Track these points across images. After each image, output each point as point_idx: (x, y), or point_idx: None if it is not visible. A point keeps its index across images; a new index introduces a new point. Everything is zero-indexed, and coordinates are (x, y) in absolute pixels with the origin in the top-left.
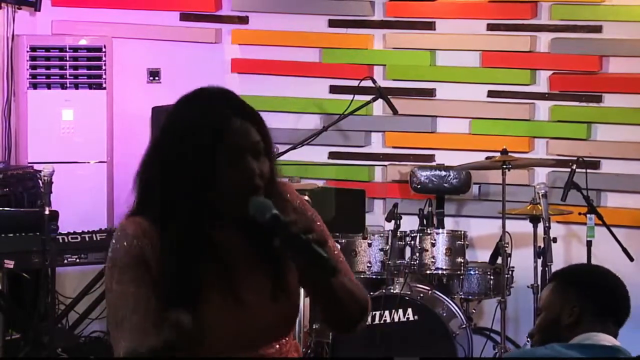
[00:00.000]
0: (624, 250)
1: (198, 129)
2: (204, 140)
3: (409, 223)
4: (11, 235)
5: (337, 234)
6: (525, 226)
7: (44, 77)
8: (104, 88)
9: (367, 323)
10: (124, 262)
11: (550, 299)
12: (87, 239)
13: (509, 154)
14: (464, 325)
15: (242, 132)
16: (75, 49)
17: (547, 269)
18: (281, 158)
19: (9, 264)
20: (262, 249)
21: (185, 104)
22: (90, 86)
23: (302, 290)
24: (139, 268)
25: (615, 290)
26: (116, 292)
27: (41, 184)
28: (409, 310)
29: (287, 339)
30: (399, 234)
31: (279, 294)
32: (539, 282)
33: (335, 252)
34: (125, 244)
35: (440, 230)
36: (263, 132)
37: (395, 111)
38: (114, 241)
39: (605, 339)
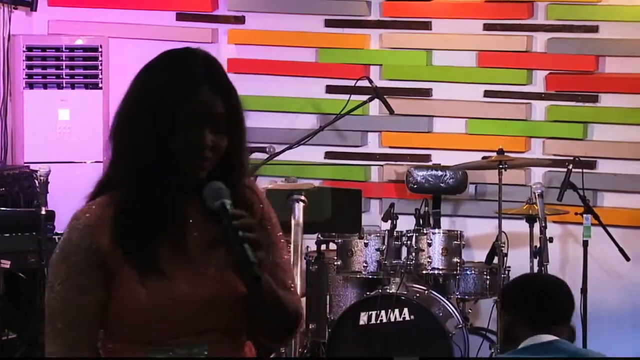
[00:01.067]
0: (621, 250)
1: (165, 88)
2: (167, 101)
3: (406, 223)
4: (7, 235)
5: (334, 234)
6: (522, 226)
7: (40, 76)
8: (100, 88)
9: (364, 323)
10: (75, 258)
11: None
12: None
13: (506, 153)
14: (460, 325)
15: (206, 101)
16: (71, 49)
17: (543, 269)
18: (277, 158)
19: (6, 263)
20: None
21: (165, 59)
22: (87, 86)
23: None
24: (90, 265)
25: (541, 294)
26: (58, 294)
27: (37, 184)
28: (405, 310)
29: (243, 335)
30: (395, 233)
31: (232, 277)
32: None
33: (281, 259)
34: (78, 236)
35: (437, 230)
36: (232, 109)
37: (391, 111)
38: (66, 232)
39: (542, 338)
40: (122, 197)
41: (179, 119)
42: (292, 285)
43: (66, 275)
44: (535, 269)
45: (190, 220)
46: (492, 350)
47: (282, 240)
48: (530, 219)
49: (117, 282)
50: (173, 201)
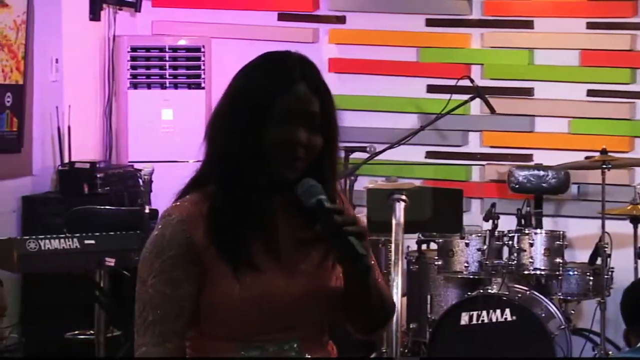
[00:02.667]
0: None
1: (261, 86)
2: (263, 98)
3: (507, 223)
4: (112, 233)
5: (434, 234)
6: (626, 227)
7: (144, 77)
8: (203, 88)
9: (465, 323)
10: (170, 253)
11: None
12: None
13: (609, 153)
14: (563, 326)
15: (301, 98)
16: (174, 49)
17: None
18: (378, 157)
19: (110, 262)
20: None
21: (261, 60)
22: (189, 86)
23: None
24: (184, 260)
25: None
26: (152, 287)
27: (141, 183)
28: (507, 311)
29: (327, 334)
30: (496, 234)
31: (325, 273)
32: None
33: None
34: (171, 231)
35: (539, 231)
36: (327, 110)
37: (493, 110)
38: (158, 228)
39: None
40: (215, 194)
41: (274, 115)
42: (381, 279)
43: (160, 269)
44: None
45: (281, 218)
46: (595, 352)
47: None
48: (635, 220)
49: (211, 277)
50: (264, 199)
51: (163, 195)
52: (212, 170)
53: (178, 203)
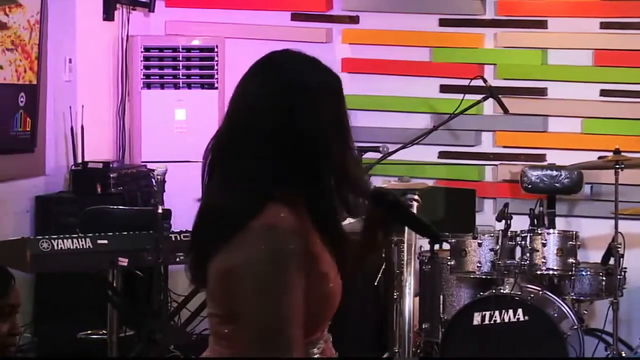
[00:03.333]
0: None
1: (332, 90)
2: (339, 105)
3: (520, 223)
4: (125, 233)
5: (447, 234)
6: (639, 227)
7: (157, 77)
8: (216, 88)
9: (477, 323)
10: (293, 266)
11: None
12: None
13: (622, 153)
14: (576, 327)
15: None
16: (188, 49)
17: None
18: (391, 157)
19: (123, 261)
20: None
21: (308, 57)
22: (203, 86)
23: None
24: (304, 269)
25: None
26: (283, 295)
27: (154, 183)
28: (520, 311)
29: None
30: (509, 234)
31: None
32: None
33: None
34: (287, 244)
35: (552, 231)
36: None
37: (506, 110)
38: (268, 244)
39: None
40: (300, 199)
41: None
42: None
43: (289, 284)
44: None
45: None
46: (608, 352)
47: None
48: None
49: (312, 280)
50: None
51: (176, 195)
52: (293, 172)
53: (274, 214)
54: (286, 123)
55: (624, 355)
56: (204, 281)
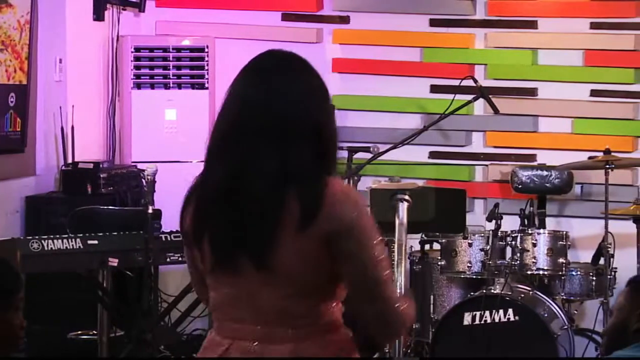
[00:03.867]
0: None
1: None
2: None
3: (510, 223)
4: (115, 233)
5: (437, 234)
6: (629, 227)
7: (147, 77)
8: (207, 88)
9: (468, 323)
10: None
11: (622, 303)
12: None
13: (612, 153)
14: (566, 327)
15: None
16: (178, 49)
17: None
18: (381, 157)
19: (113, 262)
20: None
21: (312, 69)
22: (193, 86)
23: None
24: None
25: None
26: (385, 254)
27: (145, 183)
28: (510, 311)
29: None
30: (499, 234)
31: None
32: None
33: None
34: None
35: (542, 231)
36: None
37: (496, 110)
38: (357, 196)
39: None
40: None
41: None
42: (388, 278)
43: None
44: None
45: None
46: (598, 352)
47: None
48: (638, 220)
49: None
50: None
51: (166, 196)
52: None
53: (343, 182)
54: (328, 117)
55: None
56: (270, 267)
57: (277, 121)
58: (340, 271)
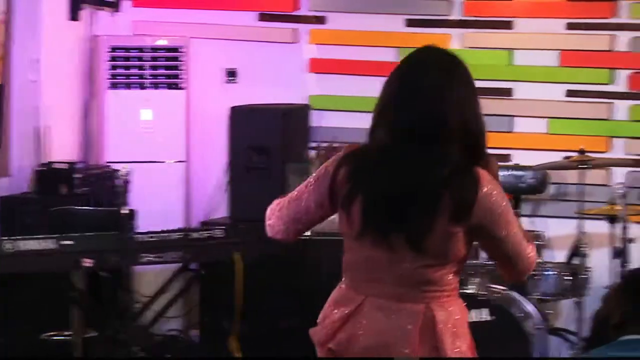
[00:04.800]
0: None
1: None
2: None
3: None
4: (90, 234)
5: None
6: (603, 227)
7: (123, 77)
8: (183, 88)
9: None
10: None
11: (611, 295)
12: (164, 238)
13: (587, 153)
14: (540, 326)
15: None
16: (154, 49)
17: (624, 269)
18: None
19: (88, 262)
20: None
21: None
22: (169, 86)
23: None
24: None
25: None
26: None
27: (119, 183)
28: (485, 311)
29: None
30: None
31: None
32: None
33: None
34: None
35: None
36: None
37: None
38: (494, 181)
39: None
40: None
41: None
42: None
43: None
44: (617, 270)
45: None
46: (573, 351)
47: None
48: (612, 220)
49: None
50: None
51: (142, 196)
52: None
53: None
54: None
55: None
56: (421, 249)
57: (437, 122)
58: (486, 249)
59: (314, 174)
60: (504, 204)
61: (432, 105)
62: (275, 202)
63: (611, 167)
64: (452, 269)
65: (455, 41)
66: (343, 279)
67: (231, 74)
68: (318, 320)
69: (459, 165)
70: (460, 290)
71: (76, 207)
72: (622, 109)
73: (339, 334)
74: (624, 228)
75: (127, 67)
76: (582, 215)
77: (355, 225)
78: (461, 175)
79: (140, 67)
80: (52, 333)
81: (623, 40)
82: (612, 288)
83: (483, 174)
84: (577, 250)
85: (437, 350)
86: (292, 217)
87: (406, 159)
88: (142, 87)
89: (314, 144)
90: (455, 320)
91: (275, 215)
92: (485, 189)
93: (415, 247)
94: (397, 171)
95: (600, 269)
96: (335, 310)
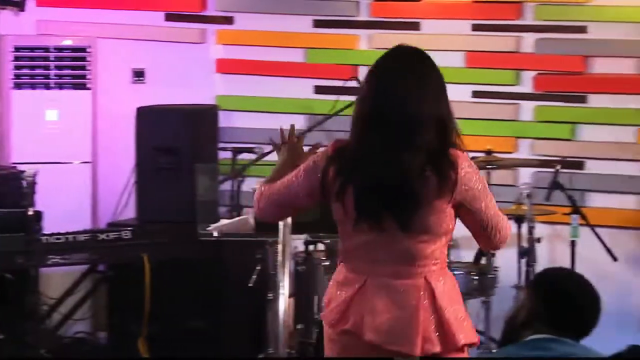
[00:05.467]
0: (608, 250)
1: None
2: None
3: None
4: None
5: (322, 235)
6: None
7: (28, 77)
8: (89, 88)
9: None
10: None
11: (522, 294)
12: (71, 239)
13: (494, 154)
14: None
15: None
16: (59, 49)
17: (531, 269)
18: (266, 158)
19: None
20: None
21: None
22: (75, 86)
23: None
24: None
25: (571, 300)
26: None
27: (25, 185)
28: None
29: None
30: None
31: None
32: (523, 283)
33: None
34: None
35: None
36: None
37: None
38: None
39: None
40: None
41: None
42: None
43: None
44: (523, 270)
45: None
46: (480, 351)
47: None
48: (519, 219)
49: None
50: None
51: (48, 197)
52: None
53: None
54: (448, 107)
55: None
56: (412, 228)
57: (412, 117)
58: (467, 221)
59: (302, 166)
60: (481, 179)
61: (410, 106)
62: (261, 187)
63: (517, 168)
64: (443, 242)
65: (363, 42)
66: (342, 264)
67: (138, 74)
68: (324, 303)
69: (437, 151)
70: None
71: None
72: (527, 109)
73: (350, 315)
74: (531, 228)
75: (32, 67)
76: None
77: (350, 214)
78: (441, 158)
79: (46, 67)
80: None
81: (528, 42)
82: (526, 288)
83: (458, 154)
84: (484, 250)
85: (440, 319)
86: (282, 203)
87: (390, 150)
88: (47, 87)
89: (222, 145)
90: (450, 288)
91: (265, 200)
92: (464, 167)
93: (406, 227)
94: (382, 162)
95: (507, 268)
96: (339, 292)
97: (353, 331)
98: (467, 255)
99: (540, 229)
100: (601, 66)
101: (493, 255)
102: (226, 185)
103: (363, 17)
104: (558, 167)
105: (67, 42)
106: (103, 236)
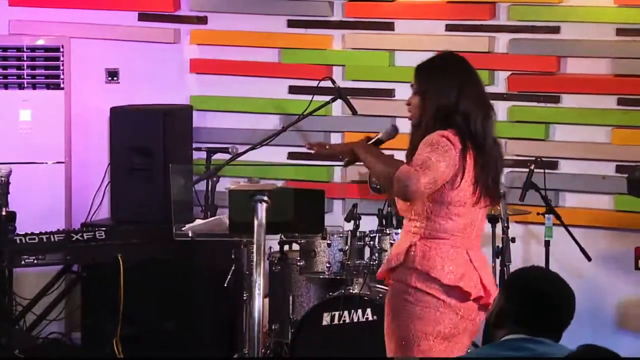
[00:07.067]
0: (582, 250)
1: None
2: None
3: (369, 223)
4: None
5: (296, 235)
6: (485, 226)
7: (1, 77)
8: (62, 88)
9: (327, 323)
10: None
11: (497, 296)
12: (44, 240)
13: None
14: None
15: None
16: (32, 49)
17: (505, 268)
18: (240, 158)
19: None
20: None
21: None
22: (48, 86)
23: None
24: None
25: (546, 300)
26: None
27: None
28: (368, 311)
29: None
30: (358, 234)
31: None
32: (497, 282)
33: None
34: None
35: (399, 231)
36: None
37: (354, 112)
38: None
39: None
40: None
41: None
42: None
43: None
44: (498, 269)
45: None
46: None
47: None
48: (493, 219)
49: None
50: None
51: (21, 197)
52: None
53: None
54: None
55: (469, 351)
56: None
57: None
58: None
59: (436, 148)
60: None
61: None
62: (407, 169)
63: None
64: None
65: (336, 42)
66: (445, 241)
67: (112, 74)
68: (456, 282)
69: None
70: (344, 291)
71: None
72: (501, 110)
73: (484, 285)
74: (505, 227)
75: (4, 67)
76: None
77: (475, 195)
78: None
79: (19, 67)
80: None
81: (502, 42)
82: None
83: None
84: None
85: None
86: (433, 181)
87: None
88: (20, 87)
89: (196, 145)
90: None
91: (415, 180)
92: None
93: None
94: (497, 151)
95: None
96: (463, 271)
97: (486, 296)
98: None
99: (514, 229)
100: (574, 66)
101: None
102: (201, 186)
103: (337, 17)
104: (532, 167)
105: (40, 42)
106: (77, 236)
